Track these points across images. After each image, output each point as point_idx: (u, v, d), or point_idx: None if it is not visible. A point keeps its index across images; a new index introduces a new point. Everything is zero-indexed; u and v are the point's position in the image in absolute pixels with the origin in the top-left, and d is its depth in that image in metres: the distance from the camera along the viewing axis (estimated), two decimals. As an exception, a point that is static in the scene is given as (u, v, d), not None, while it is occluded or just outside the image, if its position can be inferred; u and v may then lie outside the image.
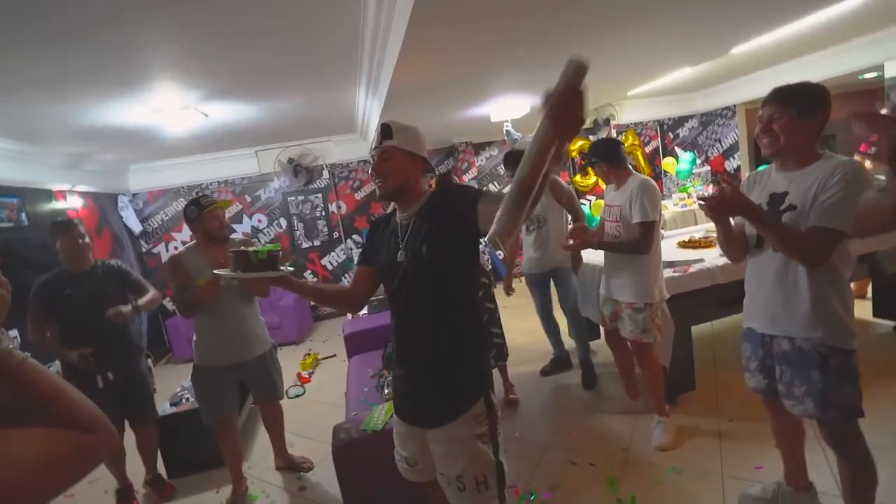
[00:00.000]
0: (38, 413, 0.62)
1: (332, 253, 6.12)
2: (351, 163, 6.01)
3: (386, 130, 1.32)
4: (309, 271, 6.07)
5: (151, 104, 3.19)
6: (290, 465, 2.68)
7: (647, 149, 6.67)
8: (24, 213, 3.75)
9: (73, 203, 4.38)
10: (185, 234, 5.62)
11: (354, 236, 6.11)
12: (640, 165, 5.73)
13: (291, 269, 1.44)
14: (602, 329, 2.91)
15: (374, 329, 3.26)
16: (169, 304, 5.19)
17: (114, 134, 3.77)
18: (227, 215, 2.80)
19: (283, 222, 5.96)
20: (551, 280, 3.24)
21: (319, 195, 5.98)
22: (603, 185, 2.93)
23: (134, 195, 5.48)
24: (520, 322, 4.22)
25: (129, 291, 2.51)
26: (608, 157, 2.41)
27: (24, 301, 2.28)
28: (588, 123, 6.24)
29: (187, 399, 2.87)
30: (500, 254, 6.51)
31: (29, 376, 0.64)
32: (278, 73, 3.06)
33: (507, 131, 4.52)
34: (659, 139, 6.90)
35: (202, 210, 2.25)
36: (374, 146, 1.38)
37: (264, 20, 2.21)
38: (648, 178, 2.41)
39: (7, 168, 3.55)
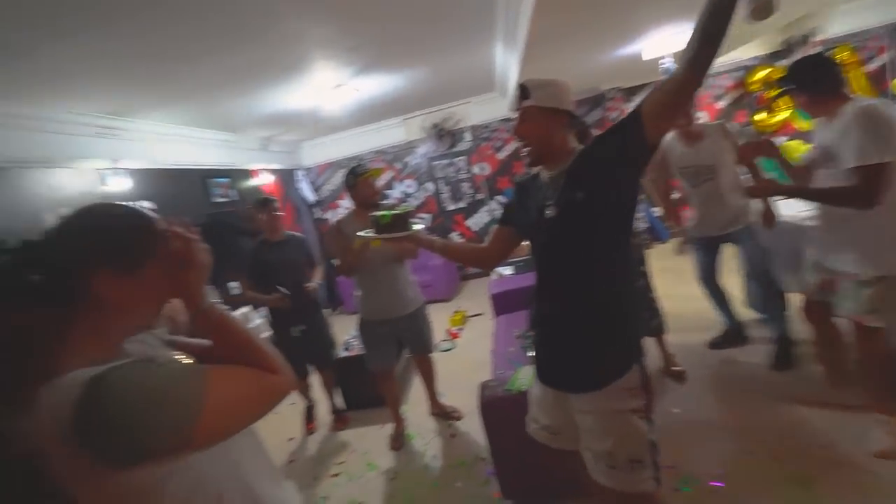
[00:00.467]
0: (236, 356, 0.74)
1: (477, 214, 6.24)
2: (491, 123, 5.94)
3: (523, 91, 1.26)
4: (455, 232, 6.31)
5: (311, 85, 3.56)
6: (441, 413, 2.90)
7: (872, 67, 5.04)
8: (233, 189, 4.65)
9: (265, 179, 5.26)
10: (349, 201, 6.33)
11: (498, 197, 6.10)
12: (859, 90, 4.40)
13: (419, 227, 1.52)
14: (797, 300, 2.35)
15: (520, 289, 3.27)
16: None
17: (286, 117, 4.36)
18: (380, 183, 3.03)
19: (430, 186, 6.25)
20: (720, 244, 2.74)
21: (463, 158, 6.08)
22: (799, 123, 2.27)
23: (308, 169, 6.33)
24: (678, 287, 3.75)
25: (310, 256, 2.94)
26: (809, 79, 1.77)
27: (238, 260, 2.84)
28: (776, 43, 4.99)
29: (356, 346, 3.29)
30: (657, 211, 5.84)
31: (228, 327, 0.77)
32: (418, 40, 3.12)
33: (666, 68, 3.89)
34: (892, 51, 5.14)
35: (357, 178, 2.47)
36: (512, 108, 1.31)
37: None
38: (875, 102, 1.69)
39: (221, 154, 4.41)
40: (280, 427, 3.25)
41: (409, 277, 2.65)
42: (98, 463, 0.57)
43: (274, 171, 5.47)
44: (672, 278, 3.74)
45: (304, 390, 3.06)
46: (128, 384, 0.60)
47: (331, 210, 6.40)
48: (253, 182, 5.07)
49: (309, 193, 6.20)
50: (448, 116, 5.80)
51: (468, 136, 5.99)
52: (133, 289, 0.71)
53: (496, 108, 5.72)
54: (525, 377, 1.93)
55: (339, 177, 6.28)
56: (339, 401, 3.22)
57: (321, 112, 4.33)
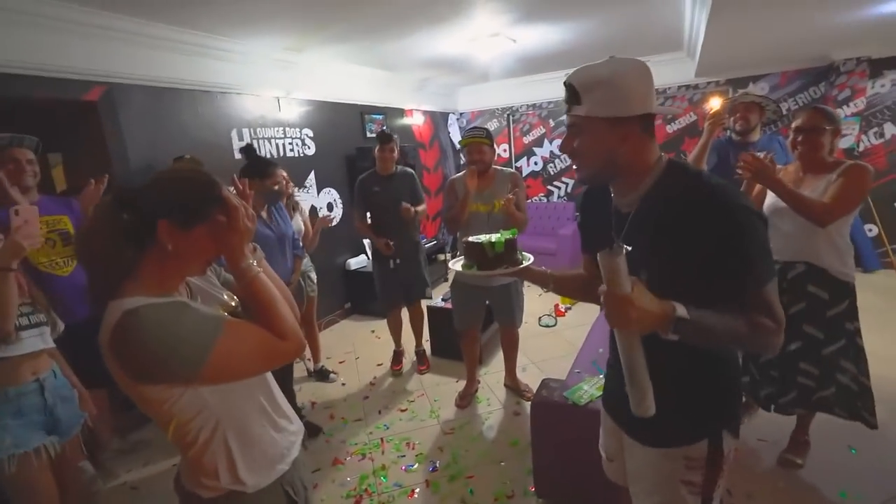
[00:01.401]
0: (256, 315, 0.89)
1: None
2: (669, 88, 5.11)
3: (570, 92, 0.92)
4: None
5: (466, 32, 3.47)
6: (514, 388, 2.90)
7: None
8: (385, 126, 4.98)
9: (416, 119, 5.51)
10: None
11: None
12: None
13: (530, 259, 1.27)
14: None
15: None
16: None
17: (441, 62, 4.38)
18: (531, 138, 2.83)
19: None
20: None
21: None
22: None
23: (461, 114, 6.39)
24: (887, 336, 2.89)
25: (414, 195, 3.05)
26: None
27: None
28: None
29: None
30: (873, 230, 4.54)
31: (256, 288, 0.90)
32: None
33: None
34: None
35: (463, 144, 2.49)
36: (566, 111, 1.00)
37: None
38: None
39: (377, 92, 4.72)
40: (376, 351, 3.64)
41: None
42: (125, 374, 0.78)
43: (426, 112, 5.67)
44: (879, 324, 2.92)
45: (396, 326, 3.32)
46: (153, 322, 0.76)
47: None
48: (405, 121, 5.35)
49: (457, 138, 6.32)
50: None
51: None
52: (186, 243, 0.84)
53: (678, 70, 4.87)
54: (589, 392, 1.79)
55: (490, 125, 6.21)
56: (427, 346, 3.44)
57: (475, 60, 4.26)
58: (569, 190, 5.87)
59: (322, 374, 3.26)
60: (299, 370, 3.35)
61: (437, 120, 5.96)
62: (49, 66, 2.35)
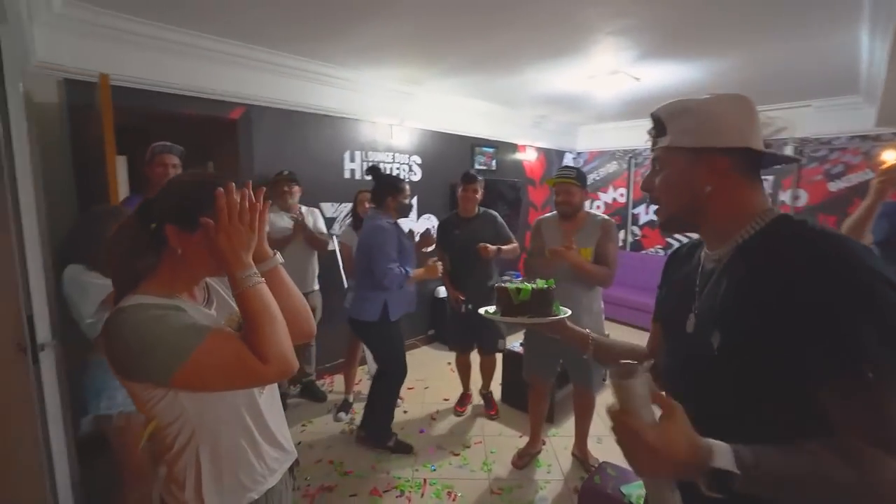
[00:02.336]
0: (244, 329, 0.84)
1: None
2: (837, 138, 4.26)
3: (656, 124, 0.82)
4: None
5: (585, 70, 3.32)
6: (582, 459, 2.53)
7: None
8: (495, 160, 4.98)
9: (529, 155, 5.41)
10: (609, 195, 5.88)
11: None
12: None
13: (567, 313, 1.14)
14: None
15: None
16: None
17: (557, 99, 4.26)
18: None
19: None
20: None
21: (770, 178, 4.66)
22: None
23: (578, 153, 6.13)
24: None
25: (498, 237, 2.86)
26: None
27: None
28: None
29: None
30: None
31: (249, 300, 0.84)
32: (724, 23, 2.44)
33: None
34: None
35: (551, 184, 2.34)
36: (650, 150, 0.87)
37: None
38: None
39: (490, 125, 4.75)
40: (446, 384, 3.52)
41: (594, 305, 2.33)
42: (111, 366, 0.81)
43: (540, 149, 5.54)
44: None
45: (464, 369, 3.16)
46: (136, 321, 0.78)
47: (590, 200, 6.09)
48: (517, 156, 5.29)
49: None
50: (766, 122, 4.46)
51: (789, 151, 4.50)
52: (192, 245, 0.84)
53: (851, 118, 4.03)
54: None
55: (608, 167, 5.85)
56: (498, 390, 3.22)
57: (593, 98, 4.05)
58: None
59: (387, 397, 3.23)
60: (367, 386, 3.39)
61: (552, 158, 5.79)
62: (204, 89, 2.80)
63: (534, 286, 1.12)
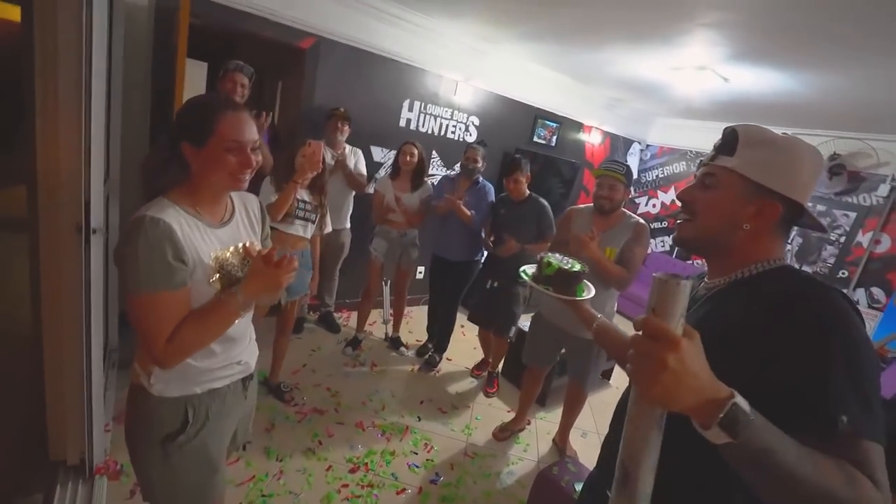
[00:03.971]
0: (192, 317, 0.95)
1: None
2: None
3: (727, 140, 0.79)
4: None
5: (670, 60, 3.08)
6: (560, 447, 2.60)
7: None
8: (556, 136, 4.80)
9: (594, 138, 5.16)
10: (668, 196, 5.57)
11: (876, 291, 4.10)
12: None
13: (588, 295, 1.21)
14: None
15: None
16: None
17: (635, 85, 3.99)
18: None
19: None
20: None
21: (852, 215, 4.23)
22: None
23: (647, 146, 5.78)
24: None
25: (540, 226, 2.80)
26: None
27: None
28: None
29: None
30: None
31: (218, 312, 0.96)
32: (829, 31, 2.16)
33: None
34: None
35: (596, 175, 2.24)
36: (703, 160, 0.85)
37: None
38: None
39: (558, 99, 4.54)
40: (454, 345, 3.62)
41: (606, 306, 2.28)
42: None
43: (607, 133, 5.27)
44: None
45: (485, 340, 3.24)
46: (139, 235, 0.87)
47: (647, 197, 5.80)
48: (581, 136, 5.07)
49: (633, 170, 5.75)
50: (865, 151, 3.99)
51: (884, 189, 4.04)
52: (204, 158, 0.94)
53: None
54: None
55: (675, 167, 5.51)
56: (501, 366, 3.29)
57: (674, 91, 3.77)
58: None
59: (395, 343, 3.40)
60: (378, 330, 3.57)
61: (617, 144, 5.50)
62: (277, 13, 2.85)
63: (561, 265, 1.21)
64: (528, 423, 2.78)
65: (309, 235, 2.35)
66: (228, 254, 1.02)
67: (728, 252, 0.80)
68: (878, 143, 3.95)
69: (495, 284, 2.92)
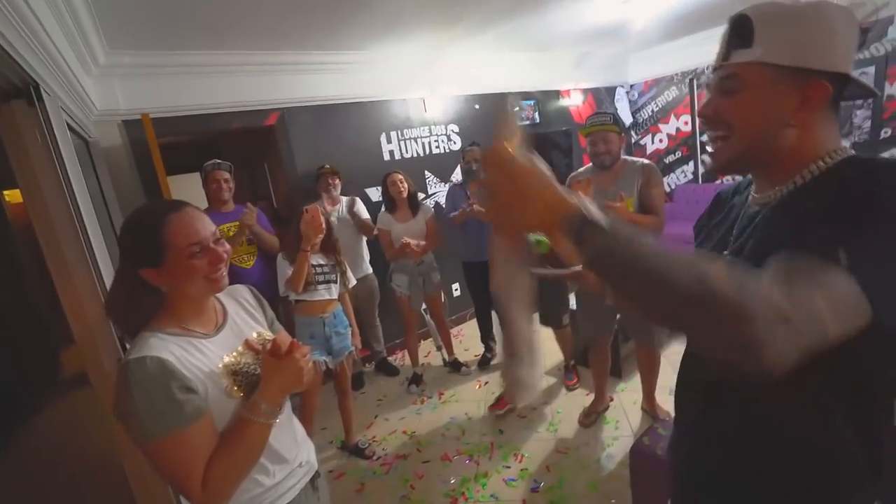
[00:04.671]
0: (221, 447, 0.83)
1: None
2: (958, 4, 3.44)
3: (740, 28, 0.64)
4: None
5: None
6: (651, 413, 2.47)
7: None
8: (537, 112, 4.73)
9: (575, 100, 5.06)
10: (672, 126, 5.35)
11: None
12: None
13: (578, 268, 1.11)
14: None
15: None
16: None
17: (594, 33, 3.89)
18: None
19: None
20: None
21: (870, 70, 3.91)
22: None
23: (631, 86, 5.61)
24: None
25: None
26: None
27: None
28: None
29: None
30: None
31: (248, 432, 0.84)
32: None
33: None
34: None
35: (585, 133, 2.18)
36: (714, 64, 0.71)
37: None
38: None
39: (527, 76, 4.49)
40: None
41: None
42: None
43: (587, 90, 5.15)
44: None
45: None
46: (138, 380, 0.77)
47: (651, 134, 5.60)
48: (562, 102, 4.97)
49: (625, 114, 5.58)
50: (853, 2, 3.71)
51: (893, 32, 3.73)
52: (170, 276, 0.86)
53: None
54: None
55: (667, 95, 5.30)
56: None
57: (634, 23, 3.65)
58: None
59: (455, 366, 3.37)
60: (436, 358, 3.55)
61: (602, 97, 5.36)
62: (238, 104, 2.98)
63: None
64: (611, 400, 2.67)
65: (336, 296, 2.36)
66: (237, 355, 0.93)
67: (777, 160, 0.66)
68: (867, -11, 3.67)
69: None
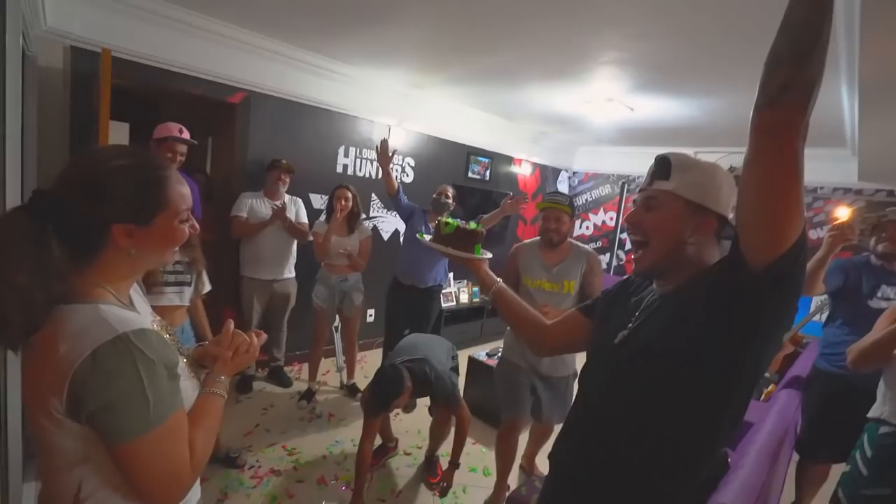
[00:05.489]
0: (195, 427, 0.78)
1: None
2: (820, 188, 4.36)
3: (661, 166, 0.90)
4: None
5: (582, 94, 3.40)
6: (529, 470, 2.60)
7: None
8: (489, 171, 5.06)
9: (524, 170, 5.49)
10: (599, 218, 5.96)
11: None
12: None
13: (488, 256, 1.27)
14: None
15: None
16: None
17: (555, 118, 4.34)
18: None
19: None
20: None
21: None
22: None
23: (574, 172, 6.22)
24: None
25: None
26: None
27: (487, 233, 3.04)
28: None
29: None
30: None
31: (213, 406, 0.84)
32: (710, 64, 2.52)
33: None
34: None
35: (540, 208, 2.24)
36: (640, 187, 0.97)
37: None
38: None
39: (487, 136, 4.82)
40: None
41: None
42: (66, 409, 0.66)
43: (536, 165, 5.63)
44: None
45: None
46: (138, 362, 0.66)
47: (580, 220, 6.18)
48: (513, 168, 5.37)
49: (564, 196, 6.13)
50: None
51: (776, 195, 4.59)
52: (149, 238, 0.76)
53: (837, 170, 4.13)
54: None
55: (601, 190, 5.94)
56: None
57: (589, 121, 4.14)
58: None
59: (352, 391, 3.30)
60: (333, 378, 3.46)
61: (547, 174, 5.87)
62: (208, 71, 2.88)
63: (460, 224, 1.26)
64: (508, 491, 2.25)
65: (186, 302, 1.95)
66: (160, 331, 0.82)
67: (680, 267, 0.89)
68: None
69: (407, 331, 2.86)
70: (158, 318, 0.92)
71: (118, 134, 3.54)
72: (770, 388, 3.17)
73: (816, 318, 3.29)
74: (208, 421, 0.81)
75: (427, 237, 1.32)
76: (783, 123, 0.64)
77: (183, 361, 0.84)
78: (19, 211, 0.68)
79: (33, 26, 2.12)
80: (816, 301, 3.86)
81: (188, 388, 0.82)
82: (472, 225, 1.27)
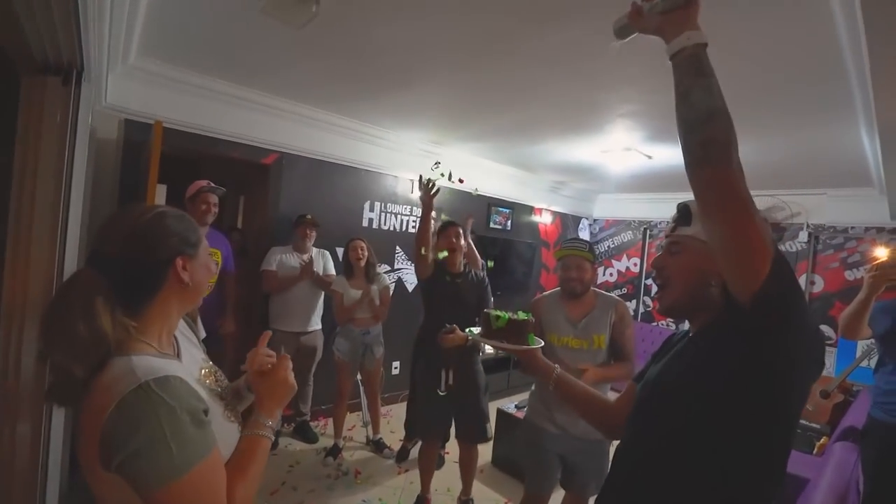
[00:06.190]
0: (235, 467, 0.79)
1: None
2: (851, 228, 4.26)
3: (683, 213, 0.93)
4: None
5: (600, 145, 3.51)
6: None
7: None
8: (510, 221, 5.14)
9: (545, 219, 5.56)
10: (623, 264, 5.91)
11: (825, 328, 4.37)
12: None
13: (540, 343, 1.21)
14: None
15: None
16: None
17: (574, 169, 4.46)
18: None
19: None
20: None
21: (786, 260, 4.63)
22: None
23: (595, 220, 6.25)
24: None
25: (482, 303, 2.50)
26: None
27: (510, 282, 3.02)
28: None
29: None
30: None
31: (256, 448, 0.83)
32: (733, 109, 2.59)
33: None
34: None
35: (559, 256, 2.06)
36: (664, 233, 1.00)
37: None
38: None
39: (508, 187, 4.95)
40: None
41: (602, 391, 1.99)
42: (101, 460, 0.67)
43: (556, 213, 5.70)
44: None
45: (429, 464, 2.60)
46: (159, 409, 0.67)
47: (604, 267, 6.13)
48: (533, 218, 5.45)
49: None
50: (779, 206, 4.48)
51: (803, 237, 4.50)
52: (195, 266, 0.83)
53: (868, 209, 4.06)
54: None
55: (623, 237, 5.94)
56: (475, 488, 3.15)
57: (608, 170, 4.23)
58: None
59: (378, 446, 3.21)
60: (359, 434, 3.39)
61: (568, 222, 5.92)
62: (246, 136, 3.10)
63: (511, 316, 1.20)
64: None
65: None
66: (205, 375, 0.88)
67: (705, 309, 0.88)
68: (792, 198, 4.49)
69: (451, 382, 2.40)
70: (210, 362, 0.94)
71: (158, 195, 3.78)
72: (822, 440, 2.96)
73: (864, 363, 3.11)
74: (248, 463, 0.80)
75: (476, 330, 1.28)
76: (715, 175, 0.71)
77: (220, 406, 0.84)
78: (86, 270, 0.75)
79: (97, 104, 2.35)
80: (862, 346, 3.67)
81: (231, 430, 0.83)
82: (522, 315, 1.23)
